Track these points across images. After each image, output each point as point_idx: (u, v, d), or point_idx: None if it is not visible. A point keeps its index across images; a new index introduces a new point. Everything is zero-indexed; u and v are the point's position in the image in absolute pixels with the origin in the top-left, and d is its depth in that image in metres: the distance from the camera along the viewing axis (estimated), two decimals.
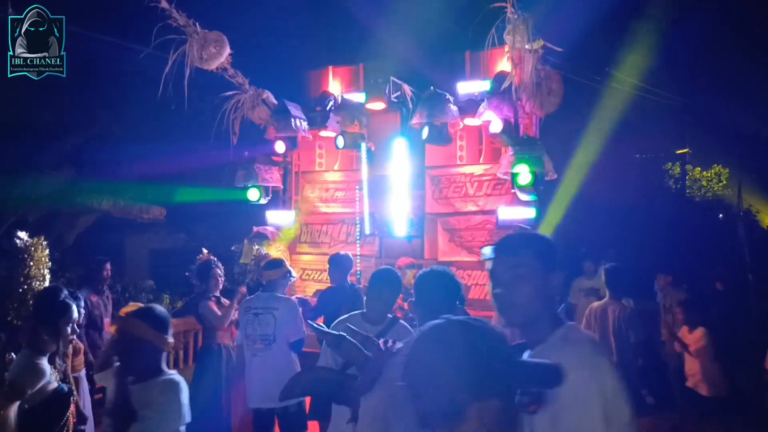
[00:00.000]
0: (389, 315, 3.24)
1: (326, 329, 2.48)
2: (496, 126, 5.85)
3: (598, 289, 6.50)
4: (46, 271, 5.88)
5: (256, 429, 4.54)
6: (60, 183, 9.54)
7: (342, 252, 5.92)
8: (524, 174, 5.67)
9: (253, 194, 7.24)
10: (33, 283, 5.81)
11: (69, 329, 3.34)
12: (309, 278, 7.55)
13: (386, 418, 2.08)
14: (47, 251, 5.86)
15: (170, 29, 5.78)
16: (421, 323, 2.37)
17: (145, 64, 5.94)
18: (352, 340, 2.21)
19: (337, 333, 2.27)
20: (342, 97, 7.33)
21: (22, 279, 5.74)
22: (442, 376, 1.16)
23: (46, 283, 5.79)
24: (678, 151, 13.65)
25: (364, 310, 3.33)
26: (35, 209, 8.98)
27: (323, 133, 7.44)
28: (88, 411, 4.18)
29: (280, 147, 7.10)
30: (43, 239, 5.86)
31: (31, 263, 5.75)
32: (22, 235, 5.84)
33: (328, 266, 5.65)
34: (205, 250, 5.67)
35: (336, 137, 6.97)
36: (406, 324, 3.28)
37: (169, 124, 8.46)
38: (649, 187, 10.06)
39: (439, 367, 1.17)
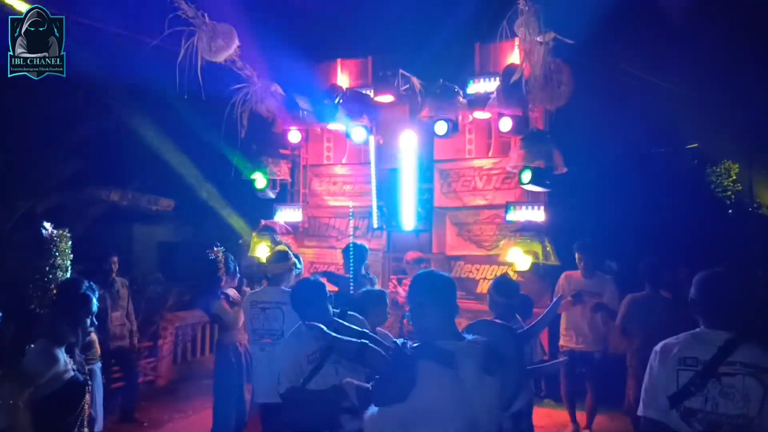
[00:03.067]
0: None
1: (345, 338, 2.32)
2: (506, 125, 5.91)
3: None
4: (68, 262, 5.95)
5: (264, 424, 4.53)
6: (69, 174, 9.58)
7: (357, 242, 5.91)
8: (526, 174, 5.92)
9: (260, 181, 7.24)
10: (57, 273, 5.89)
11: (88, 321, 3.37)
12: (317, 272, 7.54)
13: (410, 427, 1.97)
14: (70, 242, 5.92)
15: (179, 21, 5.77)
16: (419, 333, 2.21)
17: (154, 56, 5.93)
18: (375, 347, 2.08)
19: (359, 341, 2.13)
20: (351, 89, 7.30)
21: (47, 269, 5.83)
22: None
23: (68, 274, 5.86)
24: (687, 146, 13.54)
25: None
26: (44, 200, 9.02)
27: (331, 126, 7.42)
28: (99, 402, 4.20)
29: (294, 137, 7.16)
30: (67, 231, 5.92)
31: (57, 253, 5.83)
32: (48, 225, 5.90)
33: (342, 256, 5.65)
34: (217, 246, 5.65)
35: (347, 129, 6.94)
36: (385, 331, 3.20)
37: (177, 116, 8.46)
38: (659, 181, 9.98)
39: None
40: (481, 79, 6.63)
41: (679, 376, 2.30)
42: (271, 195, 7.50)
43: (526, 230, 6.06)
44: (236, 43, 6.22)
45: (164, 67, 5.88)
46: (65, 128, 9.34)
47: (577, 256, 5.84)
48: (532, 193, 6.26)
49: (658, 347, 2.46)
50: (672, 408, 2.31)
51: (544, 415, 5.99)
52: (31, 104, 8.60)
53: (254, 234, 7.33)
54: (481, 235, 6.89)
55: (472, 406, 2.00)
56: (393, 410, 1.99)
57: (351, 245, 5.59)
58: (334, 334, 2.32)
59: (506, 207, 6.32)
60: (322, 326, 2.41)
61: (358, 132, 6.78)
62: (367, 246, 5.85)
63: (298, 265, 4.73)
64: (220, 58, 6.17)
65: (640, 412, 2.49)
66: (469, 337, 2.16)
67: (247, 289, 5.31)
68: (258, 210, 7.98)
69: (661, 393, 2.35)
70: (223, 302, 5.03)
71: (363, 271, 5.64)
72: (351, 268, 5.42)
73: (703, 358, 2.28)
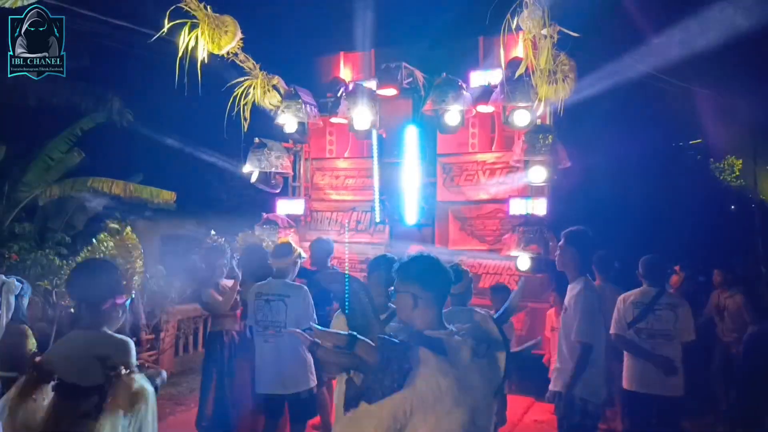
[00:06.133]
0: (391, 305, 3.02)
1: (337, 332, 2.20)
2: (522, 119, 5.86)
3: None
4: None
5: (268, 415, 4.53)
6: (71, 167, 9.58)
7: (323, 237, 5.91)
8: (538, 173, 5.88)
9: (254, 176, 7.23)
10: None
11: None
12: None
13: (410, 417, 1.90)
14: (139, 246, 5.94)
15: (181, 13, 5.73)
16: (405, 321, 2.12)
17: (156, 49, 5.91)
18: (366, 340, 1.97)
19: (348, 333, 2.02)
20: (353, 83, 7.26)
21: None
22: None
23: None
24: (691, 142, 13.52)
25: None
26: (46, 193, 9.02)
27: (334, 120, 7.39)
28: None
29: (290, 126, 6.96)
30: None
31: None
32: (114, 224, 5.88)
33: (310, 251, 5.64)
34: (213, 233, 5.63)
35: (349, 120, 6.86)
36: None
37: (180, 109, 8.45)
38: (663, 176, 9.97)
39: None
40: (485, 73, 6.60)
41: (634, 311, 4.20)
42: (274, 188, 7.48)
43: (528, 225, 6.05)
44: (239, 35, 6.18)
45: (167, 60, 5.85)
46: (68, 121, 9.33)
47: None
48: (535, 187, 6.24)
49: (621, 297, 4.31)
50: (629, 328, 4.20)
51: (546, 410, 6.00)
52: (34, 97, 8.60)
53: (256, 227, 7.31)
54: (484, 230, 6.88)
55: (471, 393, 1.97)
56: (393, 400, 1.88)
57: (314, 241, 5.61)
58: (319, 330, 2.12)
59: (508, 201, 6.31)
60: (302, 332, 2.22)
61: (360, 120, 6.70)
62: (331, 240, 5.80)
63: (303, 255, 4.73)
64: (223, 50, 6.13)
65: (611, 330, 4.21)
66: (452, 327, 2.10)
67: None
68: (260, 202, 7.97)
69: (623, 320, 4.23)
70: (213, 290, 5.02)
71: (329, 265, 5.59)
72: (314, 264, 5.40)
73: (646, 302, 4.20)
